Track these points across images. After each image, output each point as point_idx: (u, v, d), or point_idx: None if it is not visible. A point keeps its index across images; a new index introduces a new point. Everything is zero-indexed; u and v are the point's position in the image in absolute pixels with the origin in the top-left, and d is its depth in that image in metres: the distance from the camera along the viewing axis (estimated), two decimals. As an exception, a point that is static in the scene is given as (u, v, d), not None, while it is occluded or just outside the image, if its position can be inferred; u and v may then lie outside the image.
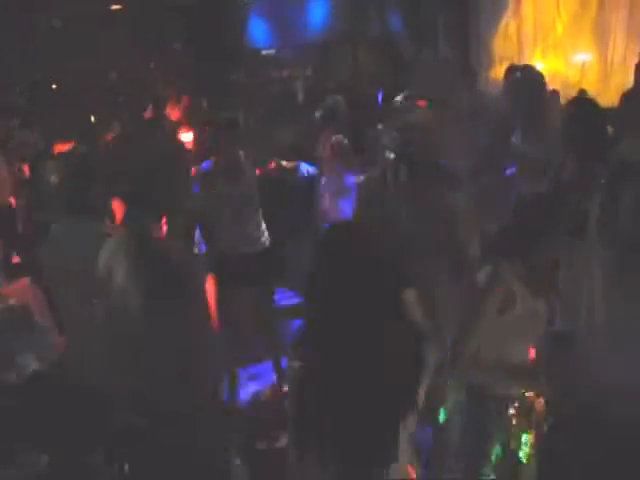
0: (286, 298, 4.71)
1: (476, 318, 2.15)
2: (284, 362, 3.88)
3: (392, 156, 2.76)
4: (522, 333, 2.21)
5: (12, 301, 2.48)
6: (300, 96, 8.93)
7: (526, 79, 4.05)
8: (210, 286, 3.12)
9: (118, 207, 2.62)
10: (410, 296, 2.08)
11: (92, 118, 6.86)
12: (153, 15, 7.33)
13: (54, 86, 7.73)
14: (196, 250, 3.19)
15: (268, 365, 4.17)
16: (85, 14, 6.76)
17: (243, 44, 9.24)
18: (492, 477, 2.10)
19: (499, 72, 6.48)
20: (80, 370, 2.40)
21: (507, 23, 8.72)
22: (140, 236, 2.11)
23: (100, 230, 2.47)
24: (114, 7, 7.02)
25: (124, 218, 2.26)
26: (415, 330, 1.87)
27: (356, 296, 1.72)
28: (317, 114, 4.85)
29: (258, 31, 9.53)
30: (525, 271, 2.18)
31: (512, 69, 5.88)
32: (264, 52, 10.34)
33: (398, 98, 4.31)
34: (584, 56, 7.71)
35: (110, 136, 5.88)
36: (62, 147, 6.54)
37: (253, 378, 4.21)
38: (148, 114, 6.64)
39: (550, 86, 5.03)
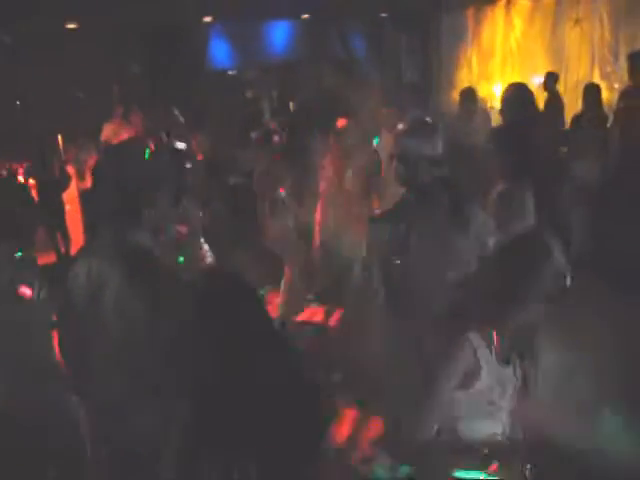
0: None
1: (432, 396, 1.84)
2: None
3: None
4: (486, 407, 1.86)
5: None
6: (267, 116, 8.91)
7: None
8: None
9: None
10: None
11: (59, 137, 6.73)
12: (110, 35, 7.25)
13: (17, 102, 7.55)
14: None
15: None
16: (38, 32, 6.64)
17: (204, 65, 9.19)
18: None
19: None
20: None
21: (466, 47, 8.88)
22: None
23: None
24: (69, 26, 6.90)
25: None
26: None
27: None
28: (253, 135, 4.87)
29: (220, 52, 9.50)
30: (497, 337, 1.79)
31: (467, 91, 5.92)
32: (229, 72, 10.33)
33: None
34: (540, 77, 7.87)
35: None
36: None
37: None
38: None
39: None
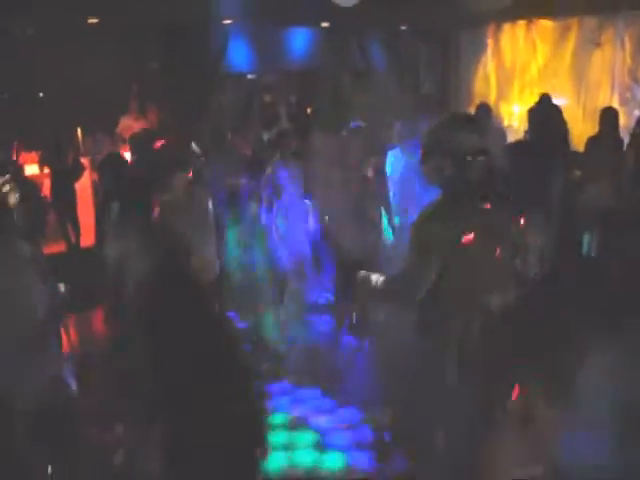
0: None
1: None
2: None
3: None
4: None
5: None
6: (284, 122, 8.94)
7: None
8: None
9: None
10: None
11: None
12: (129, 32, 7.30)
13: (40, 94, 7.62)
14: None
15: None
16: (61, 25, 6.71)
17: (224, 66, 9.24)
18: None
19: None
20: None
21: (485, 63, 8.88)
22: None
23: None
24: (91, 20, 6.96)
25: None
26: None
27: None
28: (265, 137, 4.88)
29: (239, 55, 9.54)
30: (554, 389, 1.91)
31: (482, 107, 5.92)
32: (249, 76, 10.37)
33: None
34: (559, 100, 7.84)
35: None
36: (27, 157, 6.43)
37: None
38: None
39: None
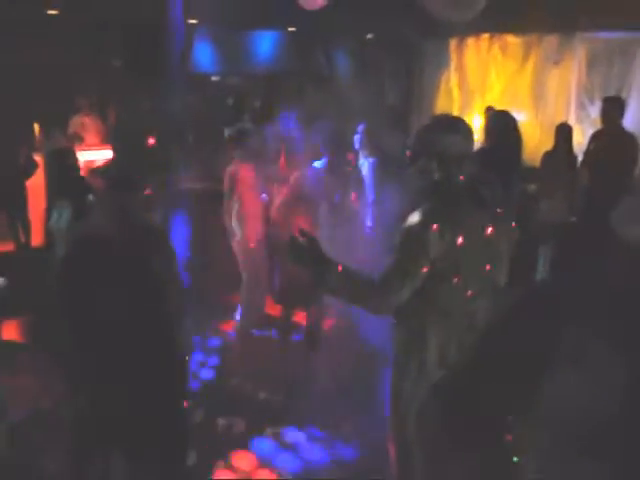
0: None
1: None
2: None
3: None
4: None
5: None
6: (246, 122, 8.86)
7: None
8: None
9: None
10: None
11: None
12: (91, 26, 7.12)
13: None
14: None
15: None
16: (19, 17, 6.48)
17: (188, 67, 9.12)
18: None
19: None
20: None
21: (448, 76, 9.00)
22: None
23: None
24: (50, 12, 6.75)
25: None
26: None
27: None
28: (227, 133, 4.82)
29: (203, 56, 9.44)
30: None
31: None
32: (213, 78, 10.25)
33: None
34: (519, 114, 8.00)
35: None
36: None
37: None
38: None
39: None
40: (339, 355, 3.87)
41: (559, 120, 6.49)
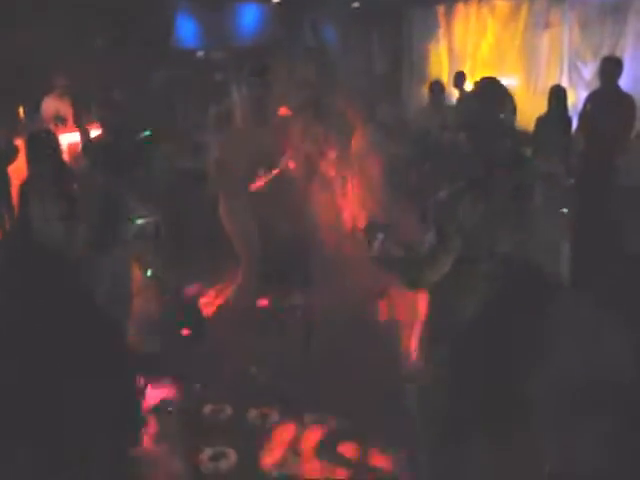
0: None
1: None
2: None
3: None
4: None
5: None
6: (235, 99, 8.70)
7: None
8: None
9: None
10: None
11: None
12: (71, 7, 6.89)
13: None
14: None
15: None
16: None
17: (171, 43, 8.89)
18: None
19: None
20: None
21: (438, 43, 8.83)
22: None
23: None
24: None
25: None
26: None
27: None
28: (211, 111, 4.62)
29: (187, 31, 9.20)
30: None
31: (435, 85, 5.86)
32: (198, 53, 10.03)
33: None
34: (510, 79, 7.86)
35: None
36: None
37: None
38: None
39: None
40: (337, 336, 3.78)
41: (552, 83, 6.38)
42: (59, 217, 2.23)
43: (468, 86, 6.90)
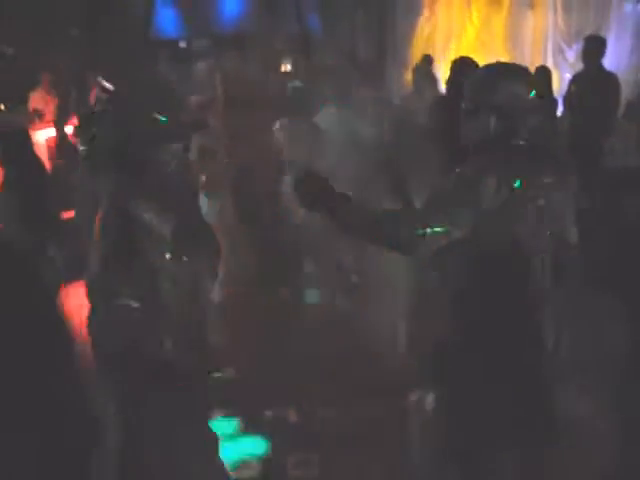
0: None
1: None
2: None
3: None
4: None
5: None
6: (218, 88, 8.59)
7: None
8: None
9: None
10: None
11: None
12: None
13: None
14: None
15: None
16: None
17: (150, 32, 8.75)
18: None
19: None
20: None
21: (422, 25, 8.76)
22: None
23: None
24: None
25: None
26: None
27: None
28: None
29: (167, 20, 9.06)
30: None
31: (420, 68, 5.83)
32: (180, 43, 9.88)
33: None
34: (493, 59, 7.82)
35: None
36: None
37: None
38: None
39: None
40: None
41: (536, 64, 6.36)
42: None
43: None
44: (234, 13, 9.52)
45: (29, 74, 6.42)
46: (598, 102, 4.77)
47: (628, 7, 7.51)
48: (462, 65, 3.40)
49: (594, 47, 5.02)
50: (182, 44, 9.85)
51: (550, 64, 7.29)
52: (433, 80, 6.13)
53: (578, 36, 7.08)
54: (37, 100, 6.25)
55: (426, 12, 8.71)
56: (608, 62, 5.23)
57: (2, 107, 6.41)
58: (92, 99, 5.72)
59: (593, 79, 5.01)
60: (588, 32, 6.73)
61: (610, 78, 5.00)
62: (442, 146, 2.77)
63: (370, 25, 9.29)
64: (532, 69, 6.16)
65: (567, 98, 5.27)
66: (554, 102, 5.43)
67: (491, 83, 1.88)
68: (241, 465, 2.87)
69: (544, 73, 5.50)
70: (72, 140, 4.60)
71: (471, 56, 4.28)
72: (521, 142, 1.88)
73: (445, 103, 3.37)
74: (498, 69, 1.97)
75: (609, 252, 2.36)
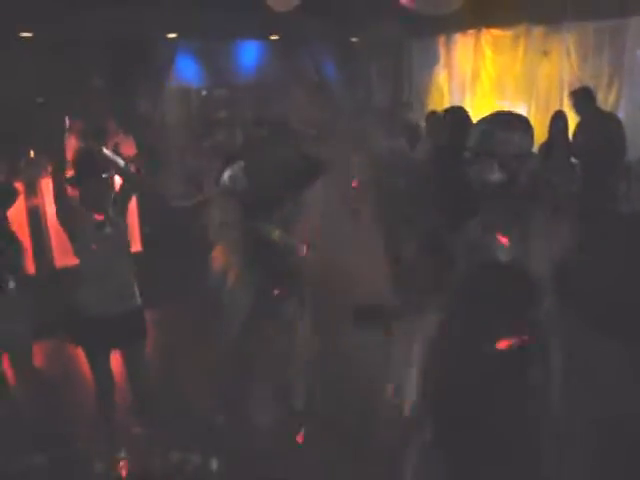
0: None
1: None
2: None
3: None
4: None
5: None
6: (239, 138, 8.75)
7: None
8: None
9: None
10: None
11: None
12: (68, 46, 6.97)
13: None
14: None
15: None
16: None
17: (170, 82, 9.00)
18: None
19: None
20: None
21: (438, 74, 8.88)
22: None
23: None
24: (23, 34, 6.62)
25: None
26: None
27: None
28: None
29: (187, 70, 9.32)
30: None
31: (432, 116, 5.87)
32: (202, 92, 10.14)
33: None
34: (513, 108, 7.85)
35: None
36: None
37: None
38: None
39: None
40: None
41: (552, 110, 6.36)
42: None
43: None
44: (251, 63, 9.77)
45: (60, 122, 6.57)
46: (601, 146, 4.75)
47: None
48: (457, 116, 3.54)
49: (581, 98, 5.05)
50: (204, 93, 10.11)
51: (565, 108, 7.30)
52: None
53: (593, 80, 7.09)
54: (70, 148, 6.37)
55: (442, 60, 8.84)
56: (623, 107, 5.21)
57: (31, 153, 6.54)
58: (109, 147, 5.82)
59: (593, 123, 5.00)
60: (603, 76, 6.75)
61: (610, 117, 4.99)
62: (448, 192, 2.79)
63: (386, 72, 9.46)
64: (549, 115, 6.17)
65: (574, 146, 5.25)
66: (570, 146, 5.40)
67: (490, 133, 2.02)
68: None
69: (561, 118, 5.49)
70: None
71: (486, 102, 4.32)
72: (520, 190, 2.01)
73: (446, 151, 3.42)
74: (497, 119, 2.10)
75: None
